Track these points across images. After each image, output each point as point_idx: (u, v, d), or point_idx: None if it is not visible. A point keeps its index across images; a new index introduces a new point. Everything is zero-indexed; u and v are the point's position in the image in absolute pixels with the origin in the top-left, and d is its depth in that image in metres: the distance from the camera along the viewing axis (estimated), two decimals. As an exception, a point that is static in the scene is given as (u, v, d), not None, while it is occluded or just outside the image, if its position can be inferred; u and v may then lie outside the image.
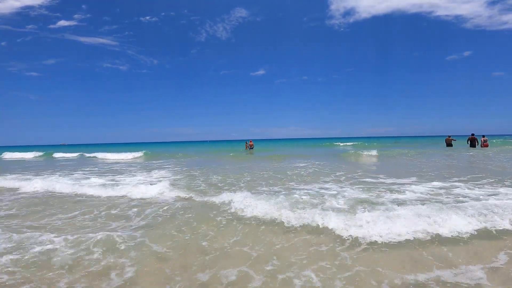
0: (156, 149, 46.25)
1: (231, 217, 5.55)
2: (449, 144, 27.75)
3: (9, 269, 3.47)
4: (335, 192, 7.44)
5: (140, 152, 30.17)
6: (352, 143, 45.62)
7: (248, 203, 6.02)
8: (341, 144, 44.70)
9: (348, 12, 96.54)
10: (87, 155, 33.61)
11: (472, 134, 26.25)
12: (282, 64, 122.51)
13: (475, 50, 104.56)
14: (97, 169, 16.52)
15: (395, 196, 6.77)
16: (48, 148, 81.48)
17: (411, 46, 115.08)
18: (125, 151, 37.25)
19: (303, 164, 14.73)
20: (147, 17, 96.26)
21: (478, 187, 7.62)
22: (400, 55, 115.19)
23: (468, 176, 9.61)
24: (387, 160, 17.36)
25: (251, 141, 32.33)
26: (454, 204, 5.52)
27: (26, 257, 3.72)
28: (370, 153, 20.28)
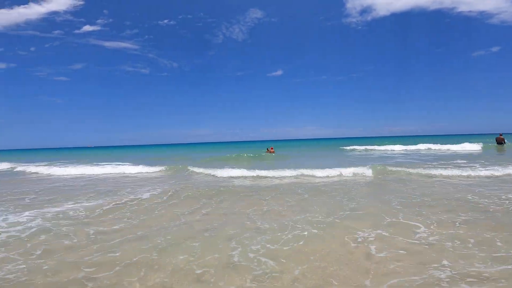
0: (188, 153, 47.46)
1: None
2: (499, 143, 27.81)
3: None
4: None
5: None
6: (369, 148, 34.93)
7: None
8: (357, 148, 36.53)
9: (365, 10, 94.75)
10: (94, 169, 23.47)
11: (500, 134, 26.60)
12: (300, 64, 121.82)
13: (504, 45, 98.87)
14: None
15: None
16: (74, 150, 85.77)
17: (433, 42, 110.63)
18: (147, 154, 38.71)
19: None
20: (165, 21, 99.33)
21: None
22: (422, 52, 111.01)
23: None
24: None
25: (272, 148, 34.60)
26: None
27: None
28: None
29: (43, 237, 5.13)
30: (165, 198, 8.44)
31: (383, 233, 4.79)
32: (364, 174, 11.73)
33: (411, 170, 11.94)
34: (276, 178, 11.84)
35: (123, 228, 5.60)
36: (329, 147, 42.24)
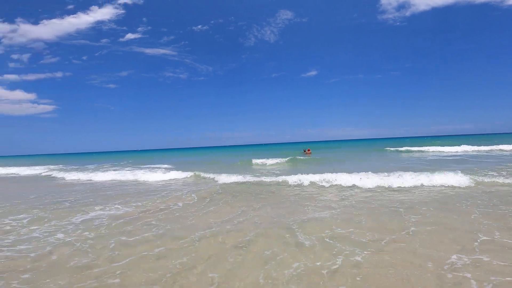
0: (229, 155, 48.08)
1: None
2: None
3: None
4: None
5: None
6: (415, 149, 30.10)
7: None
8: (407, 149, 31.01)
9: (402, 5, 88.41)
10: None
11: None
12: (334, 64, 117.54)
13: None
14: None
15: None
16: (123, 153, 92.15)
17: (480, 37, 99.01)
18: (186, 157, 39.50)
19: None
20: (199, 26, 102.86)
21: None
22: (468, 47, 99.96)
23: None
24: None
25: (309, 149, 35.02)
26: None
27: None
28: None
29: (56, 248, 4.75)
30: (200, 205, 7.84)
31: None
32: (459, 185, 8.61)
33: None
34: (333, 185, 9.67)
35: (146, 239, 5.04)
36: (373, 148, 38.67)
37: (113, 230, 5.67)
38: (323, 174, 10.61)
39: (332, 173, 10.72)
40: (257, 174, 13.22)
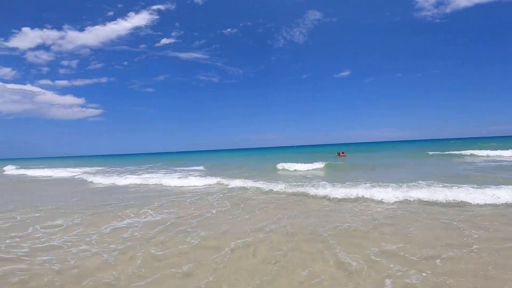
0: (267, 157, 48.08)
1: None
2: None
3: None
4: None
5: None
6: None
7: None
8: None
9: (441, 2, 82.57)
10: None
11: None
12: (367, 63, 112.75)
13: None
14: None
15: None
16: (159, 155, 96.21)
17: None
18: (220, 159, 39.81)
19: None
20: (228, 29, 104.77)
21: None
22: None
23: None
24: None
25: (343, 152, 34.46)
26: None
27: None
28: None
29: (81, 260, 4.62)
30: (233, 212, 7.64)
31: None
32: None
33: None
34: (374, 195, 8.24)
35: (176, 252, 4.85)
36: (414, 151, 35.89)
37: (143, 240, 5.43)
38: (362, 183, 9.91)
39: (372, 181, 9.99)
40: (291, 180, 12.77)
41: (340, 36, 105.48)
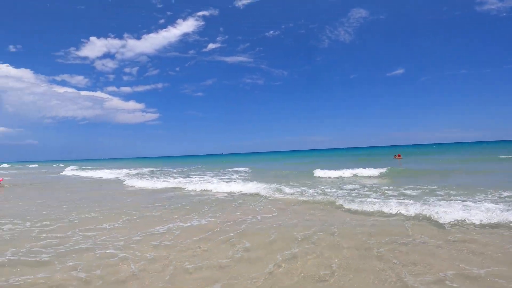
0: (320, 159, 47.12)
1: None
2: None
3: None
4: None
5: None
6: None
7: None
8: None
9: None
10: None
11: None
12: (424, 60, 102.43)
13: None
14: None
15: None
16: (208, 157, 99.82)
17: None
18: (266, 161, 39.49)
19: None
20: (271, 32, 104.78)
21: None
22: None
23: None
24: None
25: (399, 154, 32.73)
26: None
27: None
28: None
29: (108, 269, 4.27)
30: (281, 218, 7.08)
31: None
32: None
33: None
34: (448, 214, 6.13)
35: (212, 266, 4.38)
36: (485, 153, 30.62)
37: (180, 248, 5.04)
38: (429, 194, 8.59)
39: (443, 191, 8.55)
40: (348, 191, 11.76)
41: (391, 33, 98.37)
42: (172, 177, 20.08)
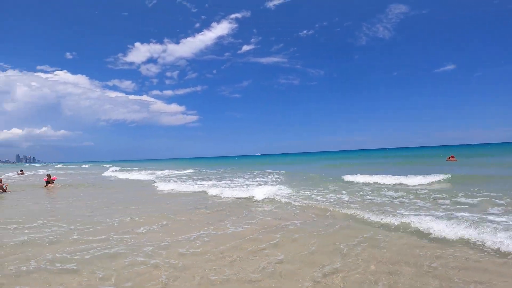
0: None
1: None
2: None
3: None
4: None
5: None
6: None
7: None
8: None
9: None
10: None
11: None
12: (479, 55, 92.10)
13: None
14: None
15: None
16: (245, 158, 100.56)
17: None
18: (302, 163, 38.49)
19: None
20: (304, 31, 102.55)
21: None
22: None
23: None
24: None
25: (452, 155, 29.65)
26: None
27: None
28: None
29: (136, 277, 4.05)
30: (321, 225, 6.55)
31: None
32: None
33: None
34: None
35: (241, 279, 3.96)
36: None
37: (207, 258, 4.69)
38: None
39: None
40: (391, 199, 10.76)
41: (436, 28, 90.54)
42: (209, 179, 20.21)
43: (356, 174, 15.63)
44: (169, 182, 17.89)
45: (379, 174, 14.97)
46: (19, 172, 34.80)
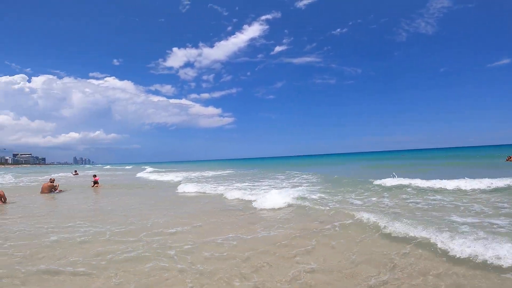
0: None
1: None
2: None
3: None
4: None
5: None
6: None
7: None
8: None
9: None
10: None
11: None
12: None
13: None
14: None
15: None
16: (279, 159, 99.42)
17: None
18: (343, 164, 36.92)
19: None
20: (338, 30, 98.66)
21: None
22: None
23: None
24: None
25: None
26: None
27: None
28: None
29: (159, 282, 3.85)
30: (368, 230, 5.94)
31: None
32: None
33: None
34: None
35: None
36: None
37: (236, 262, 4.40)
38: None
39: None
40: (450, 208, 9.59)
41: (485, 21, 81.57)
42: (243, 180, 20.08)
43: (400, 176, 13.97)
44: (199, 183, 18.01)
45: (427, 177, 13.10)
46: (74, 173, 37.95)
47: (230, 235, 5.94)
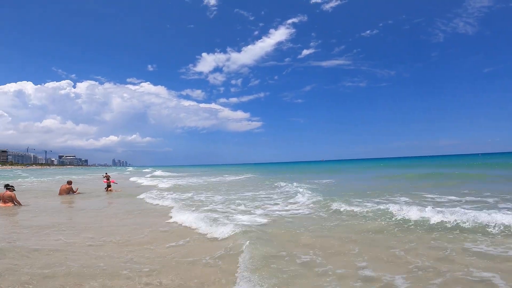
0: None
1: None
2: None
3: None
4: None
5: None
6: None
7: None
8: None
9: None
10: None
11: None
12: None
13: None
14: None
15: None
16: (309, 164, 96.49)
17: None
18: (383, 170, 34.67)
19: None
20: (367, 31, 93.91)
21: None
22: None
23: None
24: None
25: None
26: None
27: None
28: None
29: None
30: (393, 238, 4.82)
31: None
32: None
33: None
34: None
35: None
36: None
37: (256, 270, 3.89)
38: None
39: None
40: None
41: None
42: (246, 190, 19.21)
43: (438, 187, 12.33)
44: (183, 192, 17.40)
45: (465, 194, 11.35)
46: (105, 179, 38.04)
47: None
